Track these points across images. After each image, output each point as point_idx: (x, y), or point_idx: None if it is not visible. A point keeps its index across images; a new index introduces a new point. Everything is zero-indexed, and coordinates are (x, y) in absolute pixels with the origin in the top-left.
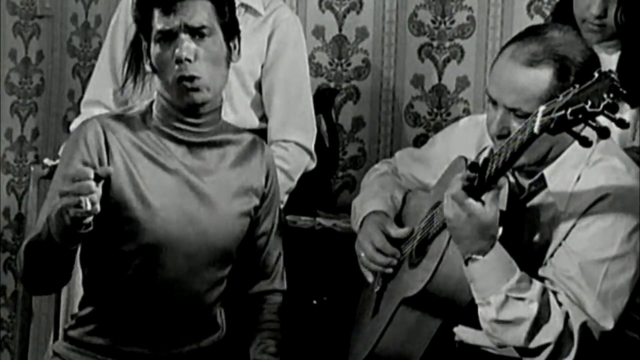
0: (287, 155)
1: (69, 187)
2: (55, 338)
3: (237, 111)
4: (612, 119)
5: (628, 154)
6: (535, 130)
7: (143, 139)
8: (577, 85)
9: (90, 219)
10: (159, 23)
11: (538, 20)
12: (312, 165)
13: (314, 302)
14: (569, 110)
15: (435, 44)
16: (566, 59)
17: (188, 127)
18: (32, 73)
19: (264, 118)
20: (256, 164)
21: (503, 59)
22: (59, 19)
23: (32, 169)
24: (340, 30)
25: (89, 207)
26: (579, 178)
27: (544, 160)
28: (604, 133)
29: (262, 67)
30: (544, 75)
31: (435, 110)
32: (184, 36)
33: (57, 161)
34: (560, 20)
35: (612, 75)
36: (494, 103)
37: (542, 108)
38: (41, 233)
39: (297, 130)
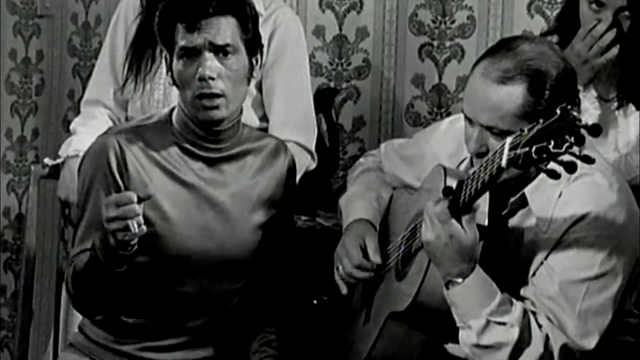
0: None
1: (115, 212)
2: (55, 338)
3: None
4: (577, 157)
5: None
6: (503, 164)
7: (160, 152)
8: (541, 121)
9: (136, 240)
10: (182, 39)
11: (538, 20)
12: (313, 166)
13: (314, 302)
14: (534, 148)
15: (435, 43)
16: (539, 72)
17: (207, 144)
18: (32, 73)
19: (264, 117)
20: (277, 171)
21: (475, 77)
22: (59, 18)
23: (32, 168)
24: (340, 29)
25: (137, 229)
26: (560, 195)
27: (526, 175)
28: (570, 168)
29: (263, 67)
30: (516, 92)
31: (435, 109)
32: (207, 54)
33: (58, 161)
34: (565, 27)
35: (574, 113)
36: (470, 121)
37: (508, 140)
38: (87, 263)
39: (298, 131)
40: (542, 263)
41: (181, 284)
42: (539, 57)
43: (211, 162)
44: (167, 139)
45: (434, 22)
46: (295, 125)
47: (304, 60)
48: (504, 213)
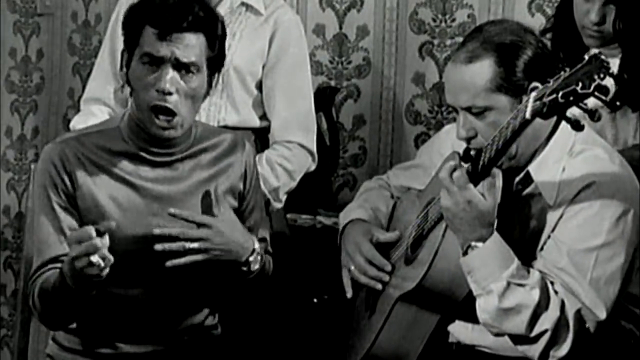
0: (290, 155)
1: (77, 251)
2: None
3: (239, 112)
4: (604, 101)
5: (630, 151)
6: (528, 115)
7: (109, 157)
8: (568, 69)
9: (107, 269)
10: (149, 46)
11: (539, 18)
12: (313, 167)
13: (315, 300)
14: (560, 94)
15: (436, 42)
16: (503, 45)
17: (159, 149)
18: (32, 71)
19: (264, 117)
20: (233, 166)
21: (448, 66)
22: (59, 17)
23: (32, 167)
24: (340, 28)
25: (102, 263)
26: (563, 170)
27: (516, 156)
28: (593, 115)
29: (263, 67)
30: (483, 66)
31: (435, 108)
32: (171, 68)
33: None
34: (561, 24)
35: (602, 57)
36: (456, 110)
37: (533, 94)
38: (56, 285)
39: (300, 132)
40: (549, 236)
41: (138, 286)
42: (503, 32)
43: (163, 165)
44: (117, 144)
45: (434, 20)
46: (297, 126)
47: (304, 61)
48: (511, 192)
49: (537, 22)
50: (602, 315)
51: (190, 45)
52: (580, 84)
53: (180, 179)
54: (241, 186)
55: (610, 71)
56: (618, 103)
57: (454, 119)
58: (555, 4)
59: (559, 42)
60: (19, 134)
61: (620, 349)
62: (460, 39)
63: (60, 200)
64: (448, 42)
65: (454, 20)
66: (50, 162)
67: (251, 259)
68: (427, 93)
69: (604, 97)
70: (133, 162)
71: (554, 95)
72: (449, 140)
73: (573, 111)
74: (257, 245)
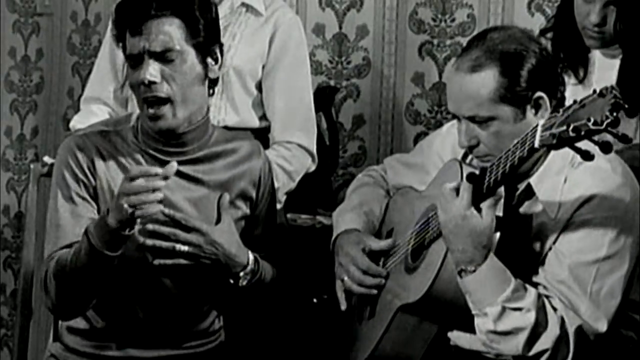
0: (290, 156)
1: (130, 187)
2: (55, 336)
3: (239, 112)
4: (615, 135)
5: (630, 152)
6: (536, 145)
7: (126, 157)
8: (577, 100)
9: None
10: (128, 46)
11: (539, 18)
12: (313, 167)
13: (315, 300)
14: (571, 127)
15: (435, 41)
16: (508, 54)
17: (170, 148)
18: (32, 71)
19: (264, 117)
20: (248, 173)
21: (451, 73)
22: (58, 16)
23: (31, 166)
24: (340, 28)
25: (131, 210)
26: (565, 181)
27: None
28: (606, 148)
29: (263, 67)
30: (488, 76)
31: (435, 108)
32: (150, 59)
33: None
34: (562, 24)
35: (614, 92)
36: (458, 118)
37: (541, 122)
38: (76, 251)
39: (300, 133)
40: (551, 249)
41: (151, 287)
42: (507, 40)
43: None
44: (132, 145)
45: (434, 20)
46: (297, 126)
47: (304, 61)
48: (512, 204)
49: (537, 21)
50: (603, 328)
51: (162, 33)
52: (592, 120)
53: (194, 187)
54: (254, 193)
55: (623, 105)
56: (630, 137)
57: (453, 119)
58: (555, 4)
59: (560, 43)
60: (19, 134)
61: (619, 355)
62: (460, 39)
63: (79, 190)
64: (448, 41)
65: (453, 20)
66: (72, 152)
67: (241, 274)
68: (427, 93)
69: (615, 132)
70: (148, 163)
71: (564, 128)
72: (448, 142)
73: None
74: (251, 263)
